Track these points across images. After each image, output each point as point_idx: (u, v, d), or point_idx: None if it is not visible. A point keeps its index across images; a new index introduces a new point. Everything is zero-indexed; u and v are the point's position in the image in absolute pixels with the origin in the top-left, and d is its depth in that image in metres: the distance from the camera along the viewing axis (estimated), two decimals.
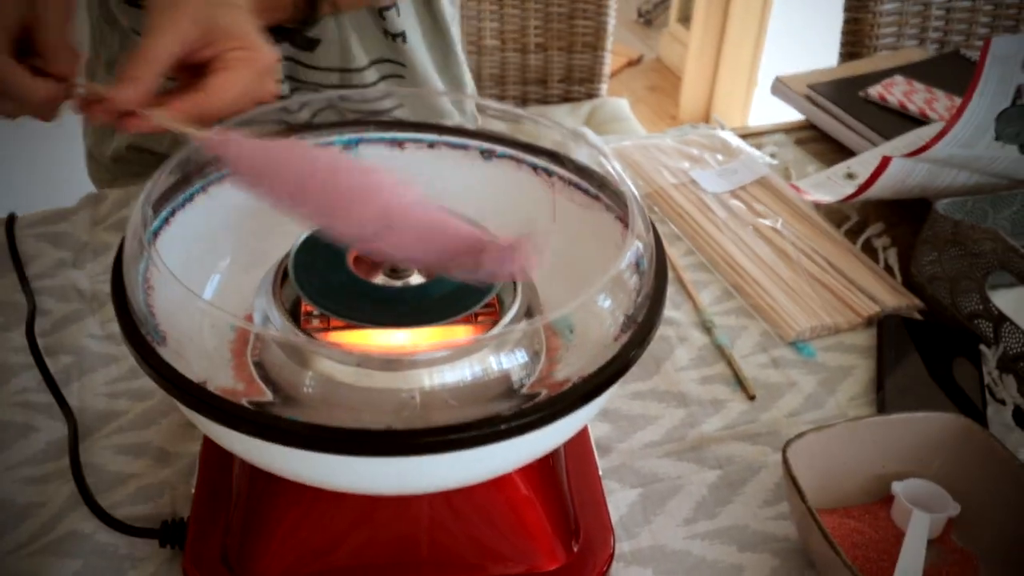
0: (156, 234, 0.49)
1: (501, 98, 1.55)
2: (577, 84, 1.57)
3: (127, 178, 0.93)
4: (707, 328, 0.71)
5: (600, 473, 0.55)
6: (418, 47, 0.89)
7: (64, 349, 0.66)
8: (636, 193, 0.49)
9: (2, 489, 0.56)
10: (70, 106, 0.51)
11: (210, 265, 0.52)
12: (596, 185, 0.53)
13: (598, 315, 0.43)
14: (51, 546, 0.53)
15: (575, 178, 0.54)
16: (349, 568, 0.47)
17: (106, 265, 0.73)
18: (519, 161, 0.56)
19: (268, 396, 0.43)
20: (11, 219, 0.76)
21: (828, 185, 0.86)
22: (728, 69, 2.43)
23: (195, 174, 0.51)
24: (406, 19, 0.86)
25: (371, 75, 0.86)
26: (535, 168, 0.56)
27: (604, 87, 1.58)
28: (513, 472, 0.45)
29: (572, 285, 0.52)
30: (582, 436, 0.56)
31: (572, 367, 0.43)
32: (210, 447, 0.54)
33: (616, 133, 1.48)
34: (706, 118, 2.53)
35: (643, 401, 0.65)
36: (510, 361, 0.41)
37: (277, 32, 0.71)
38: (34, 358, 0.64)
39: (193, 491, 0.52)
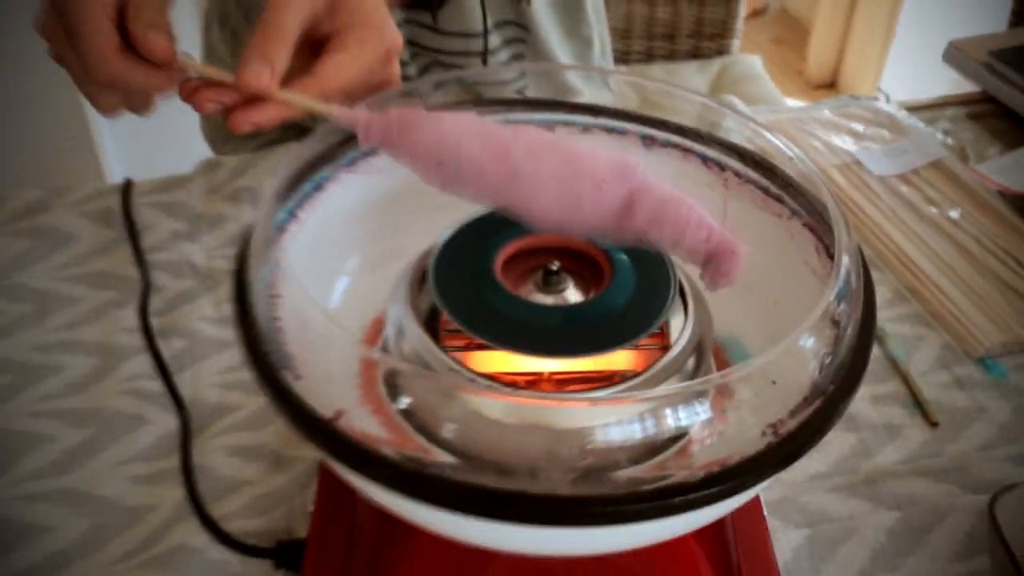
0: (282, 228, 0.43)
1: (625, 54, 1.45)
2: (708, 39, 1.47)
3: (241, 139, 0.88)
4: (878, 337, 0.63)
5: (764, 513, 0.48)
6: (543, 9, 0.81)
7: (177, 332, 0.61)
8: (834, 199, 0.41)
9: (112, 487, 0.53)
10: (183, 95, 0.43)
11: (337, 265, 0.46)
12: (779, 184, 0.45)
13: (797, 356, 0.36)
14: (159, 559, 0.49)
15: (753, 174, 0.46)
16: None
17: (222, 239, 0.69)
18: (685, 151, 0.48)
19: (406, 437, 0.37)
20: (127, 186, 0.72)
21: (1017, 170, 0.76)
22: (862, 21, 2.25)
23: (322, 159, 0.45)
24: None
25: (493, 40, 0.78)
26: (704, 159, 0.48)
27: (736, 43, 1.47)
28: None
29: (747, 305, 0.44)
30: None
31: (766, 417, 0.36)
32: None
33: (750, 94, 1.37)
34: (835, 76, 2.36)
35: None
36: (694, 416, 0.34)
37: None
38: (147, 342, 0.60)
39: (311, 510, 0.48)
